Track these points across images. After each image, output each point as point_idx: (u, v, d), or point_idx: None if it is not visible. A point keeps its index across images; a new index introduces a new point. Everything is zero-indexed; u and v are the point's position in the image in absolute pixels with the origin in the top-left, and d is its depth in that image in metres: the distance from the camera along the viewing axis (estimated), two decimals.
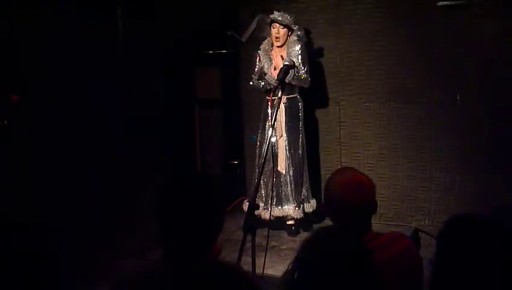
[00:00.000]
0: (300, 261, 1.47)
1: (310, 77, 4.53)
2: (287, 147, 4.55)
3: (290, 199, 4.54)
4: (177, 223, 1.72)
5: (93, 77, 4.61)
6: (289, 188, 4.55)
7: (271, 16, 4.51)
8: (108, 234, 4.40)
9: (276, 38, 4.53)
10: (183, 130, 5.55)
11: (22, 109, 4.03)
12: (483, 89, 4.41)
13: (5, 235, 1.49)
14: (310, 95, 4.84)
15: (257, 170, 4.48)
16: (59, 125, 4.40)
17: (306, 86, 4.58)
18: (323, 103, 5.04)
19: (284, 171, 4.54)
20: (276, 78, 4.15)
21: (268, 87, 4.59)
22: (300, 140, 4.60)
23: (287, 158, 4.54)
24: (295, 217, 4.56)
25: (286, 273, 1.49)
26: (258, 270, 2.83)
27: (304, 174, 4.65)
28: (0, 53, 4.05)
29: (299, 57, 4.50)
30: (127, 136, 4.86)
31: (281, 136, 4.55)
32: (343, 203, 2.04)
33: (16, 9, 4.17)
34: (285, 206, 4.55)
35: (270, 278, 3.62)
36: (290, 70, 4.26)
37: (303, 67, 4.50)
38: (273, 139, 4.47)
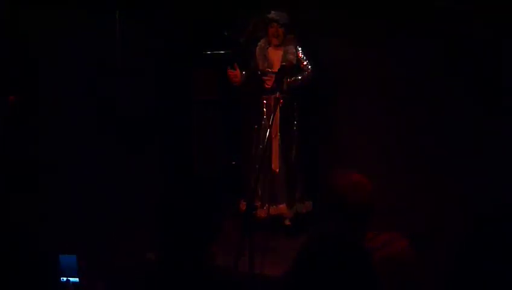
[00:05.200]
0: (299, 262, 1.47)
1: (314, 69, 4.53)
2: (280, 147, 4.55)
3: (285, 198, 4.55)
4: (176, 224, 1.72)
5: (91, 77, 4.61)
6: (283, 187, 4.55)
7: (269, 16, 4.50)
8: (107, 234, 4.39)
9: (275, 37, 4.53)
10: (180, 131, 5.55)
11: (19, 109, 4.03)
12: (482, 90, 4.41)
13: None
14: (307, 95, 4.85)
15: (254, 171, 4.48)
16: (57, 126, 4.40)
17: (313, 79, 4.58)
18: (320, 103, 5.04)
19: (278, 170, 4.55)
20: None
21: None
22: (294, 140, 4.60)
23: (281, 157, 4.54)
24: (289, 216, 4.57)
25: (285, 273, 1.49)
26: (256, 271, 2.83)
27: (298, 175, 4.65)
28: None
29: (298, 53, 4.51)
30: (125, 136, 4.86)
31: (276, 135, 4.55)
32: (343, 204, 2.04)
33: (15, 9, 4.17)
34: (280, 205, 4.56)
35: (268, 278, 3.62)
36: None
37: (305, 63, 4.50)
38: (270, 139, 4.48)
